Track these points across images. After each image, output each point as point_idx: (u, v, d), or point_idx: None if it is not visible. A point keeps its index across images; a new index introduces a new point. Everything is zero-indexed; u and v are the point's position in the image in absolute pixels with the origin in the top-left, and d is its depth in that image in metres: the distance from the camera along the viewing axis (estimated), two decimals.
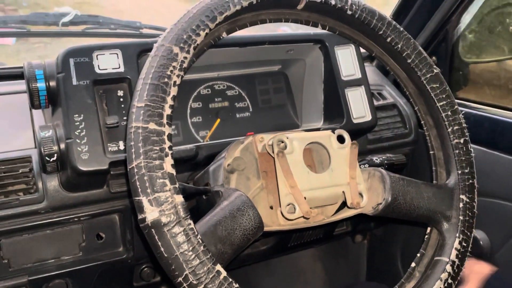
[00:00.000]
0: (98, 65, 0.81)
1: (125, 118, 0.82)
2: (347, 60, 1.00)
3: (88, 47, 0.81)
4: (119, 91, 0.83)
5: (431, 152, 0.79)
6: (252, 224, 0.61)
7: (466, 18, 1.16)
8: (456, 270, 0.70)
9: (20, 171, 0.83)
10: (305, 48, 1.02)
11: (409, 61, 0.74)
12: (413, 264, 0.73)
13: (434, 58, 1.19)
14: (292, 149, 0.68)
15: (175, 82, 0.56)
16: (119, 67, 0.82)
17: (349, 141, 0.72)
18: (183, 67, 0.58)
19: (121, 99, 0.83)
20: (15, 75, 1.00)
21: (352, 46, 1.02)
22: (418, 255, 0.74)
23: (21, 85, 0.91)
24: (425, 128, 0.79)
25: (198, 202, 0.86)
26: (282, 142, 0.68)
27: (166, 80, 0.56)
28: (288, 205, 0.66)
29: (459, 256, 0.71)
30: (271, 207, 0.69)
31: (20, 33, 1.09)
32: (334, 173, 0.70)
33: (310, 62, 1.05)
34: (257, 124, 1.05)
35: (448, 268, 0.70)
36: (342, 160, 0.71)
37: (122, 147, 0.81)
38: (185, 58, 0.58)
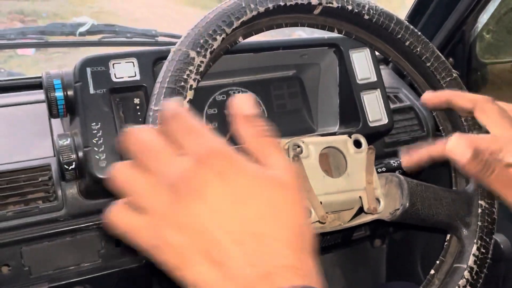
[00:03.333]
0: (115, 74, 0.82)
1: (141, 126, 0.83)
2: (362, 63, 1.00)
3: (105, 56, 0.82)
4: (135, 99, 0.84)
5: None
6: None
7: (483, 18, 1.15)
8: (475, 277, 0.69)
9: (40, 180, 0.84)
10: (319, 52, 1.02)
11: (428, 64, 0.73)
12: (432, 271, 0.72)
13: (451, 59, 1.18)
14: (308, 153, 0.68)
15: (191, 86, 0.57)
16: (135, 75, 0.83)
17: (365, 145, 0.72)
18: (200, 71, 0.58)
19: (138, 107, 0.84)
20: (34, 85, 1.02)
21: (367, 49, 1.01)
22: (438, 262, 0.73)
23: (40, 94, 0.93)
24: (443, 134, 0.78)
25: None
26: (298, 146, 0.68)
27: (182, 83, 0.57)
28: None
29: (478, 262, 0.70)
30: None
31: (39, 43, 1.11)
32: (350, 178, 0.69)
33: (324, 66, 1.05)
34: (273, 129, 1.05)
35: (466, 274, 0.69)
36: (358, 164, 0.70)
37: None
38: (202, 62, 0.59)
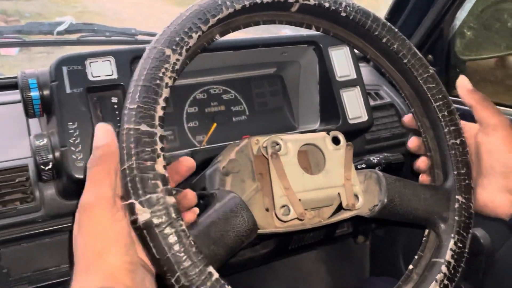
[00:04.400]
0: (91, 73, 0.81)
1: (119, 124, 0.82)
2: (342, 61, 1.00)
3: (81, 55, 0.81)
4: (113, 98, 0.83)
5: (428, 154, 0.78)
6: (245, 225, 0.60)
7: (462, 15, 1.16)
8: (453, 271, 0.69)
9: (17, 180, 0.83)
10: (299, 50, 1.02)
11: (405, 61, 0.73)
12: (410, 266, 0.72)
13: (430, 56, 1.19)
14: (287, 150, 0.68)
15: (167, 83, 0.57)
16: (112, 74, 0.82)
17: (344, 142, 0.72)
18: (176, 69, 0.58)
19: (115, 106, 0.83)
20: (10, 85, 1.01)
21: (347, 47, 1.01)
22: (416, 257, 0.73)
23: (17, 94, 0.92)
24: (421, 130, 0.78)
25: (196, 207, 0.86)
26: (277, 144, 0.68)
27: (158, 82, 0.56)
28: (283, 207, 0.65)
29: (455, 256, 0.70)
30: (267, 209, 0.69)
31: (16, 43, 1.10)
32: (329, 175, 0.69)
33: (304, 64, 1.05)
34: (254, 127, 1.05)
35: (444, 269, 0.68)
36: (337, 161, 0.70)
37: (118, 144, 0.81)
38: (178, 60, 0.58)
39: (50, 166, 0.78)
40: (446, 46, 1.18)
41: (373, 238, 1.45)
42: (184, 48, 0.59)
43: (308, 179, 0.68)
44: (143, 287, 0.53)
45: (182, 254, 0.52)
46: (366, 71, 1.25)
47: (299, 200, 0.66)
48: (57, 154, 0.78)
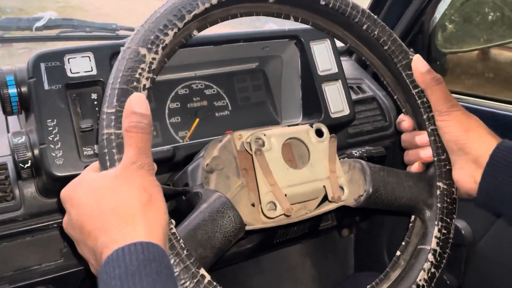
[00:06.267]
0: (70, 69, 0.80)
1: (99, 121, 0.82)
2: (323, 55, 1.00)
3: (59, 51, 0.80)
4: (92, 94, 0.82)
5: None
6: (233, 225, 0.60)
7: (442, 8, 1.16)
8: (439, 258, 0.71)
9: None
10: (280, 44, 1.02)
11: (385, 48, 0.73)
12: (398, 253, 0.73)
13: (412, 49, 1.20)
14: (270, 146, 0.67)
15: (144, 85, 0.56)
16: (91, 70, 0.81)
17: (327, 134, 0.72)
18: (152, 68, 0.56)
19: (95, 102, 0.82)
20: None
21: (328, 41, 1.01)
22: (403, 243, 0.74)
23: None
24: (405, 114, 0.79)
25: (178, 203, 0.86)
26: (260, 139, 0.68)
27: (135, 84, 0.55)
28: (269, 203, 0.65)
29: (440, 244, 0.71)
30: (253, 205, 0.69)
31: None
32: (313, 168, 0.69)
33: (286, 58, 1.05)
34: (237, 122, 1.05)
35: (430, 257, 0.70)
36: (321, 154, 0.70)
37: (97, 150, 0.80)
38: (154, 59, 0.57)
39: (29, 164, 0.77)
40: (427, 39, 1.19)
41: (357, 231, 1.46)
42: (160, 46, 0.57)
43: (293, 174, 0.68)
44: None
45: (175, 257, 0.52)
46: (348, 65, 1.25)
47: (285, 195, 0.66)
48: (36, 151, 0.77)
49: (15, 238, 0.85)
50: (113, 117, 0.52)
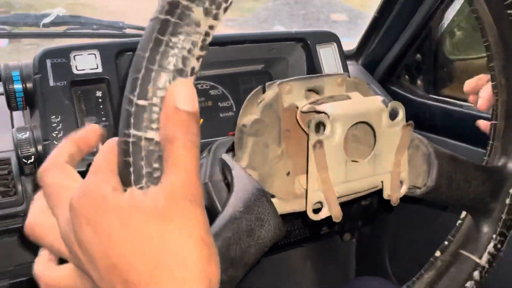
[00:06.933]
0: (76, 66, 0.80)
1: (104, 119, 0.82)
2: (329, 58, 1.00)
3: (65, 47, 0.80)
4: (97, 92, 0.82)
5: (493, 122, 0.64)
6: (271, 235, 0.48)
7: (450, 15, 1.16)
8: (484, 276, 0.61)
9: None
10: (287, 46, 1.02)
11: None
12: (437, 253, 0.63)
13: (418, 56, 1.19)
14: (333, 133, 0.51)
15: (193, 68, 0.35)
16: (97, 68, 0.81)
17: (403, 118, 0.55)
18: (206, 43, 0.35)
19: (100, 100, 0.82)
20: None
21: (334, 44, 1.01)
22: (446, 242, 0.63)
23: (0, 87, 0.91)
24: (495, 92, 0.64)
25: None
26: (322, 123, 0.51)
27: (180, 65, 0.35)
28: (316, 203, 0.52)
29: (491, 261, 0.61)
30: (288, 173, 0.56)
31: (0, 34, 1.08)
32: (377, 160, 0.55)
33: (292, 61, 1.05)
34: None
35: (476, 275, 0.60)
36: (390, 142, 0.55)
37: (100, 148, 0.80)
38: (211, 28, 0.35)
39: (32, 160, 0.77)
40: (435, 45, 1.19)
41: (359, 236, 1.45)
42: (223, 6, 0.36)
43: (351, 168, 0.53)
44: None
45: None
46: (354, 69, 1.25)
47: (337, 194, 0.52)
48: (39, 147, 0.77)
49: (16, 233, 0.86)
50: (146, 114, 0.33)
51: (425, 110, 1.16)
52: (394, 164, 0.55)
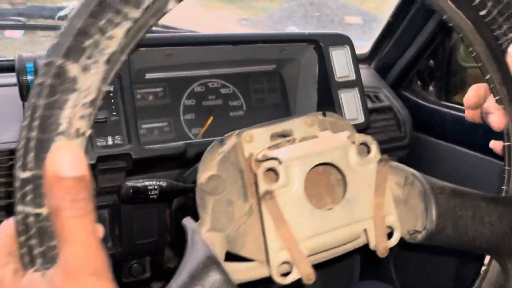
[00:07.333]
0: None
1: (114, 113, 0.82)
2: (342, 61, 1.00)
3: None
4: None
5: (505, 144, 0.54)
6: None
7: None
8: None
9: (10, 164, 0.83)
10: (299, 48, 1.02)
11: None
12: None
13: (431, 61, 1.19)
14: (288, 180, 0.44)
15: (78, 129, 0.33)
16: None
17: (376, 153, 0.47)
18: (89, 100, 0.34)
19: (111, 94, 0.83)
20: (9, 67, 1.00)
21: (347, 47, 1.01)
22: None
23: (14, 77, 0.91)
24: (502, 107, 0.54)
25: (187, 199, 0.86)
26: (274, 171, 0.44)
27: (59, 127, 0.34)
28: (281, 264, 0.44)
29: None
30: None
31: (16, 25, 1.09)
32: (351, 205, 0.47)
33: (304, 62, 1.05)
34: (251, 122, 1.03)
35: None
36: (364, 182, 0.47)
37: (110, 142, 0.81)
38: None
39: None
40: (448, 51, 1.18)
41: None
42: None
43: (320, 217, 0.46)
44: None
45: None
46: (366, 72, 1.25)
47: (307, 251, 0.45)
48: None
49: None
50: (29, 187, 0.31)
51: (436, 117, 1.15)
52: (375, 207, 0.48)
